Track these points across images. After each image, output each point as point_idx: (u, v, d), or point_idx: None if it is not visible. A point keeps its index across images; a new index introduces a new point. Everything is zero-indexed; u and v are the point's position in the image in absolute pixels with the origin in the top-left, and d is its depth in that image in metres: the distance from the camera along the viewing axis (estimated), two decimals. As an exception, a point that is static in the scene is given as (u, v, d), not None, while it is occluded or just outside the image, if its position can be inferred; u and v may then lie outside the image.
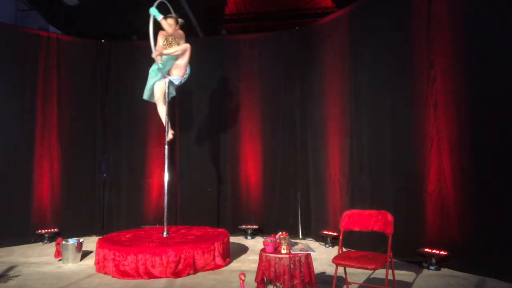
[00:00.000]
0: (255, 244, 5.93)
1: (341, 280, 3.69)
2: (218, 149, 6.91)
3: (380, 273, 3.72)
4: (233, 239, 5.69)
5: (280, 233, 3.62)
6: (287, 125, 6.70)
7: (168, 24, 4.99)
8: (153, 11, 4.83)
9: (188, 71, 5.24)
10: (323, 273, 4.22)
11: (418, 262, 4.52)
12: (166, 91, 5.18)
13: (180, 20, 5.22)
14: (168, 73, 5.16)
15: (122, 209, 7.04)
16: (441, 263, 4.37)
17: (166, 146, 5.20)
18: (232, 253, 5.08)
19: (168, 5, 5.16)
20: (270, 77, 6.81)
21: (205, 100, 7.03)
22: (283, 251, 3.48)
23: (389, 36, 5.10)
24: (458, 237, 4.34)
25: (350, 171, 5.60)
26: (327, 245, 5.71)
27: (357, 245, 4.90)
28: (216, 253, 4.54)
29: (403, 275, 4.14)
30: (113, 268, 4.26)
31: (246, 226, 6.48)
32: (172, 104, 6.61)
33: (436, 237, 4.51)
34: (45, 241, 6.18)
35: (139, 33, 6.77)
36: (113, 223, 6.97)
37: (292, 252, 3.48)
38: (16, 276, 4.38)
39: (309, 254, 3.54)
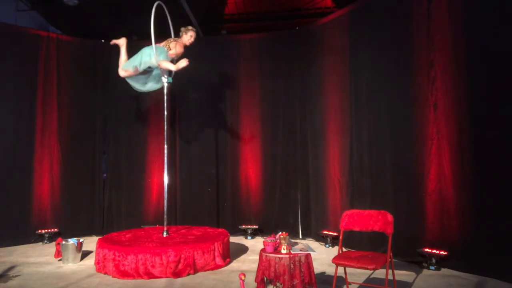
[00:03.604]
0: (255, 244, 5.93)
1: (341, 280, 3.70)
2: (218, 149, 6.90)
3: (380, 273, 3.71)
4: (233, 239, 5.70)
5: (280, 233, 3.63)
6: (287, 125, 6.70)
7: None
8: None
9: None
10: (323, 273, 4.22)
11: (418, 262, 4.52)
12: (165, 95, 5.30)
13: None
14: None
15: (122, 209, 7.03)
16: (441, 263, 4.37)
17: (166, 146, 5.21)
18: (232, 253, 5.08)
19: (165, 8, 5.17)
20: (270, 77, 6.80)
21: (205, 100, 7.02)
22: (283, 251, 3.48)
23: (389, 36, 5.09)
24: (458, 237, 4.34)
25: (350, 171, 5.60)
26: (327, 245, 5.71)
27: (357, 245, 4.91)
28: (216, 253, 4.54)
29: (403, 275, 4.14)
30: (113, 268, 4.26)
31: (246, 226, 6.48)
32: (172, 104, 6.65)
33: (436, 237, 4.51)
34: (45, 241, 6.17)
35: (139, 33, 6.76)
36: (113, 223, 6.97)
37: (292, 252, 3.48)
38: (16, 276, 4.38)
39: (309, 254, 3.54)
